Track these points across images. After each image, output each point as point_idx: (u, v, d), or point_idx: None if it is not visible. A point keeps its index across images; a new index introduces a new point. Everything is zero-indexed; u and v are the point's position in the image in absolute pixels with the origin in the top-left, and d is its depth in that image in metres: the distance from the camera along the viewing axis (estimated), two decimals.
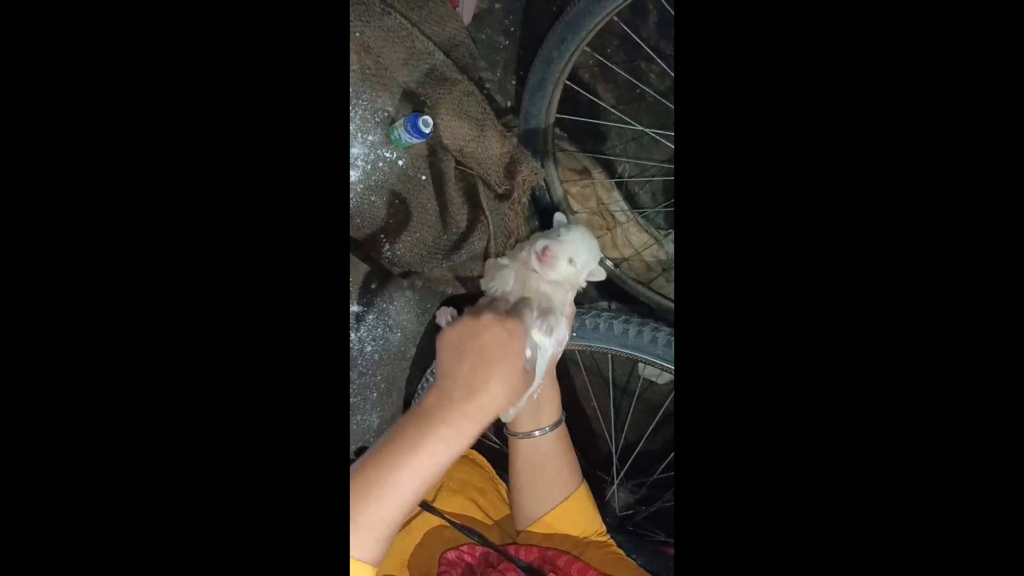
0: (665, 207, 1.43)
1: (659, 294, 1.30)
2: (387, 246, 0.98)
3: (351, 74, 0.95)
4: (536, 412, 0.75)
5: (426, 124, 0.92)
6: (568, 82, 1.09)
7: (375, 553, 0.54)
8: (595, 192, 1.32)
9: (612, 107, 1.31)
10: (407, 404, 1.01)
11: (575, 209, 1.27)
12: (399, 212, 0.99)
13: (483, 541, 0.72)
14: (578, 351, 1.02)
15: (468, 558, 0.69)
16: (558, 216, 0.84)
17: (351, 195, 0.96)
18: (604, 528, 0.77)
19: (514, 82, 1.32)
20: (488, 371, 0.61)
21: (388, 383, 0.96)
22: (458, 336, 0.63)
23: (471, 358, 0.61)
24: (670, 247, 1.35)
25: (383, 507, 0.54)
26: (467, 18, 1.20)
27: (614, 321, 0.95)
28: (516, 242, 0.90)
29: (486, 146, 1.00)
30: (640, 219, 1.35)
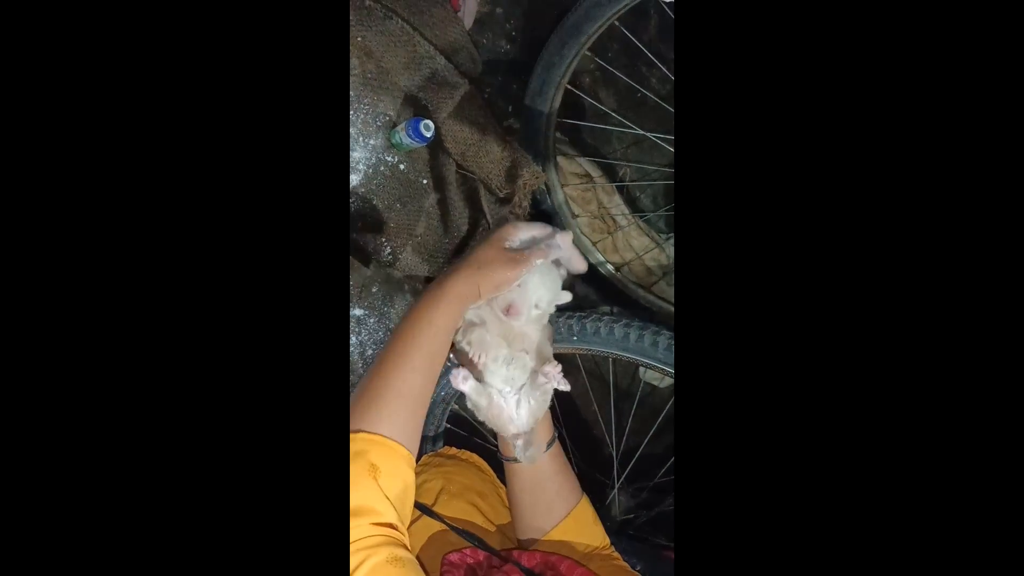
0: (666, 211, 1.43)
1: (660, 298, 1.30)
2: (388, 249, 0.98)
3: (353, 78, 0.95)
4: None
5: (427, 128, 0.92)
6: (569, 86, 1.10)
7: (407, 430, 0.59)
8: (596, 196, 1.32)
9: (613, 111, 1.31)
10: None
11: (576, 213, 1.28)
12: (400, 216, 0.99)
13: (484, 546, 0.71)
14: (579, 355, 1.03)
15: (471, 560, 0.69)
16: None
17: (352, 199, 0.96)
18: (608, 542, 0.77)
19: (515, 86, 1.32)
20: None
21: None
22: None
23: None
24: (671, 251, 1.35)
25: (404, 377, 0.60)
26: (468, 23, 1.20)
27: (615, 325, 0.95)
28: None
29: (487, 150, 1.00)
30: (641, 223, 1.35)
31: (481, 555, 0.70)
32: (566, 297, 0.74)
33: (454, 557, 0.68)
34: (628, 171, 1.43)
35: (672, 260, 1.34)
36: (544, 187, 1.19)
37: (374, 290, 0.94)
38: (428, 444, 1.14)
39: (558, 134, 1.17)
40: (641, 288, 1.30)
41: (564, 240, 0.70)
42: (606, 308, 1.23)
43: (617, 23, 0.98)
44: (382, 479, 0.54)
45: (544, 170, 1.11)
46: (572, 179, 1.29)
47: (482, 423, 0.76)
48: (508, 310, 0.69)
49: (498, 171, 1.01)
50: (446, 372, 0.71)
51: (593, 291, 1.37)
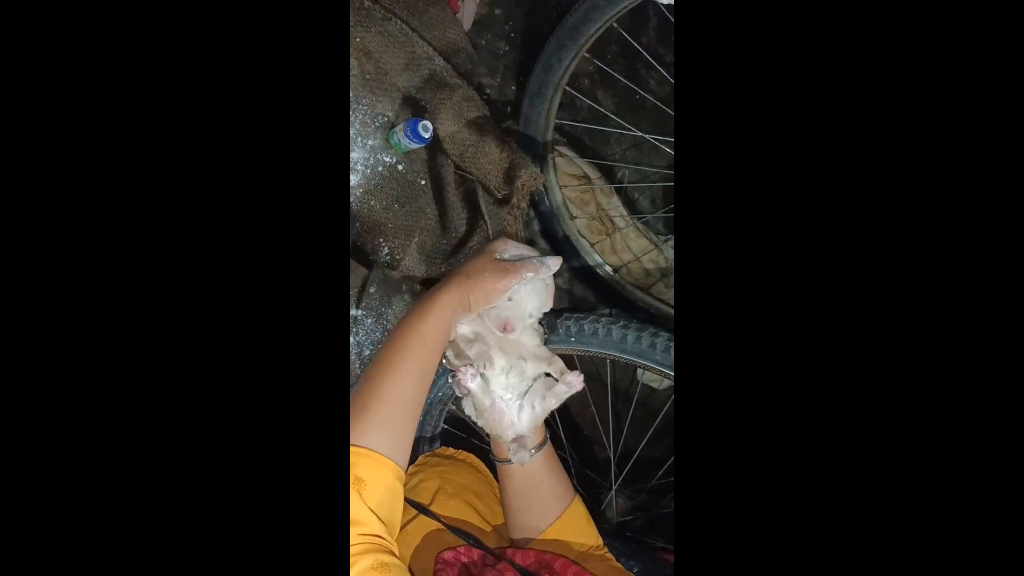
0: (664, 213, 1.43)
1: (658, 299, 1.30)
2: (386, 250, 0.98)
3: (352, 79, 0.95)
4: None
5: (426, 129, 0.92)
6: (568, 88, 1.10)
7: (395, 442, 0.58)
8: (594, 197, 1.32)
9: (612, 113, 1.31)
10: None
11: (574, 214, 1.28)
12: (398, 216, 0.99)
13: (479, 545, 0.71)
14: (577, 356, 1.02)
15: (465, 558, 0.69)
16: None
17: (351, 199, 0.96)
18: (602, 542, 0.77)
19: (514, 87, 1.32)
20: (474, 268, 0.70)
21: None
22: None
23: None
24: (669, 253, 1.35)
25: (396, 385, 0.60)
26: (467, 24, 1.20)
27: (613, 326, 0.95)
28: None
29: (485, 151, 1.00)
30: (639, 224, 1.35)
31: (475, 554, 0.70)
32: (549, 304, 0.76)
33: (448, 555, 0.68)
34: (626, 173, 1.43)
35: (670, 262, 1.34)
36: (542, 188, 1.19)
37: (372, 290, 0.94)
38: (425, 444, 1.14)
39: (556, 135, 1.17)
40: (639, 290, 1.30)
41: (554, 262, 0.72)
42: (604, 310, 1.23)
43: (616, 25, 0.98)
44: (367, 492, 0.54)
45: (542, 171, 1.11)
46: (570, 180, 1.29)
47: (479, 426, 0.77)
48: (504, 327, 0.71)
49: (496, 172, 1.01)
50: (443, 374, 0.71)
51: (591, 293, 1.37)
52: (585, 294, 1.38)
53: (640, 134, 1.21)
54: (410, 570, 0.68)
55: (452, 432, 1.20)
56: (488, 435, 0.78)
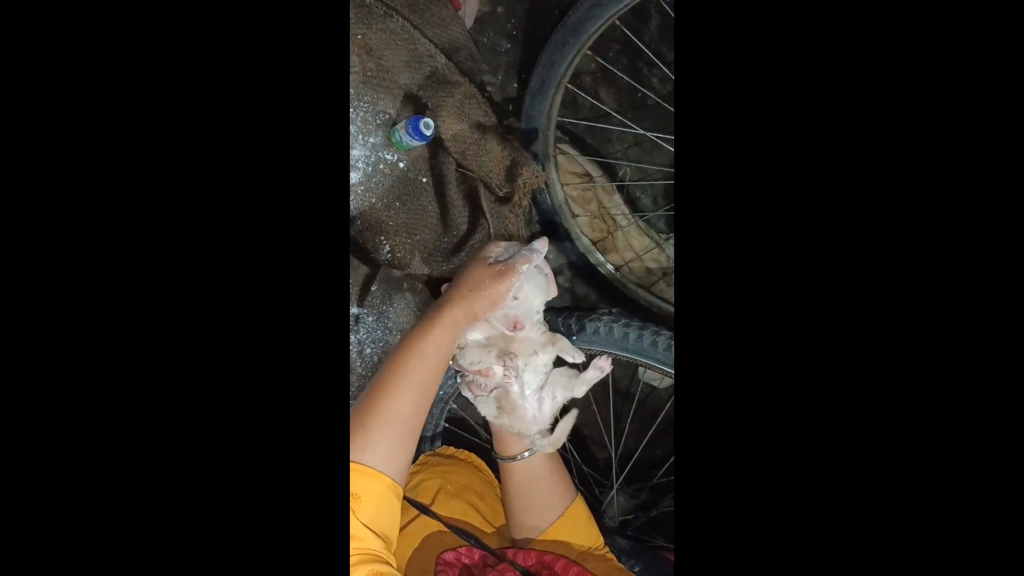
0: (666, 211, 1.43)
1: (660, 298, 1.30)
2: (387, 248, 0.98)
3: (353, 76, 0.95)
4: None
5: (427, 127, 0.92)
6: (570, 85, 1.09)
7: (392, 458, 0.58)
8: (596, 195, 1.32)
9: (614, 111, 1.31)
10: None
11: (576, 212, 1.27)
12: (399, 214, 0.99)
13: (480, 545, 0.71)
14: None
15: (466, 559, 0.69)
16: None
17: (352, 197, 0.96)
18: (603, 542, 0.77)
19: (516, 85, 1.32)
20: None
21: None
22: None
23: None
24: (671, 251, 1.35)
25: (397, 400, 0.61)
26: (469, 21, 1.20)
27: (614, 325, 0.95)
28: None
29: (487, 149, 0.99)
30: (641, 223, 1.35)
31: (476, 554, 0.70)
32: (553, 291, 0.76)
33: (449, 556, 0.68)
34: (628, 171, 1.43)
35: (672, 260, 1.34)
36: (544, 186, 1.19)
37: (372, 288, 0.94)
38: (426, 443, 1.14)
39: (558, 133, 1.17)
40: (641, 288, 1.30)
41: (541, 244, 0.71)
42: (605, 308, 1.23)
43: (618, 22, 0.98)
44: (362, 508, 0.54)
45: (544, 169, 1.11)
46: (572, 178, 1.29)
47: (484, 424, 0.77)
48: (515, 326, 0.71)
49: (498, 170, 1.01)
50: (446, 374, 0.71)
51: (593, 291, 1.36)
52: (587, 292, 1.37)
53: (642, 132, 1.21)
54: (410, 571, 0.69)
55: (453, 431, 1.20)
56: (491, 433, 0.78)
